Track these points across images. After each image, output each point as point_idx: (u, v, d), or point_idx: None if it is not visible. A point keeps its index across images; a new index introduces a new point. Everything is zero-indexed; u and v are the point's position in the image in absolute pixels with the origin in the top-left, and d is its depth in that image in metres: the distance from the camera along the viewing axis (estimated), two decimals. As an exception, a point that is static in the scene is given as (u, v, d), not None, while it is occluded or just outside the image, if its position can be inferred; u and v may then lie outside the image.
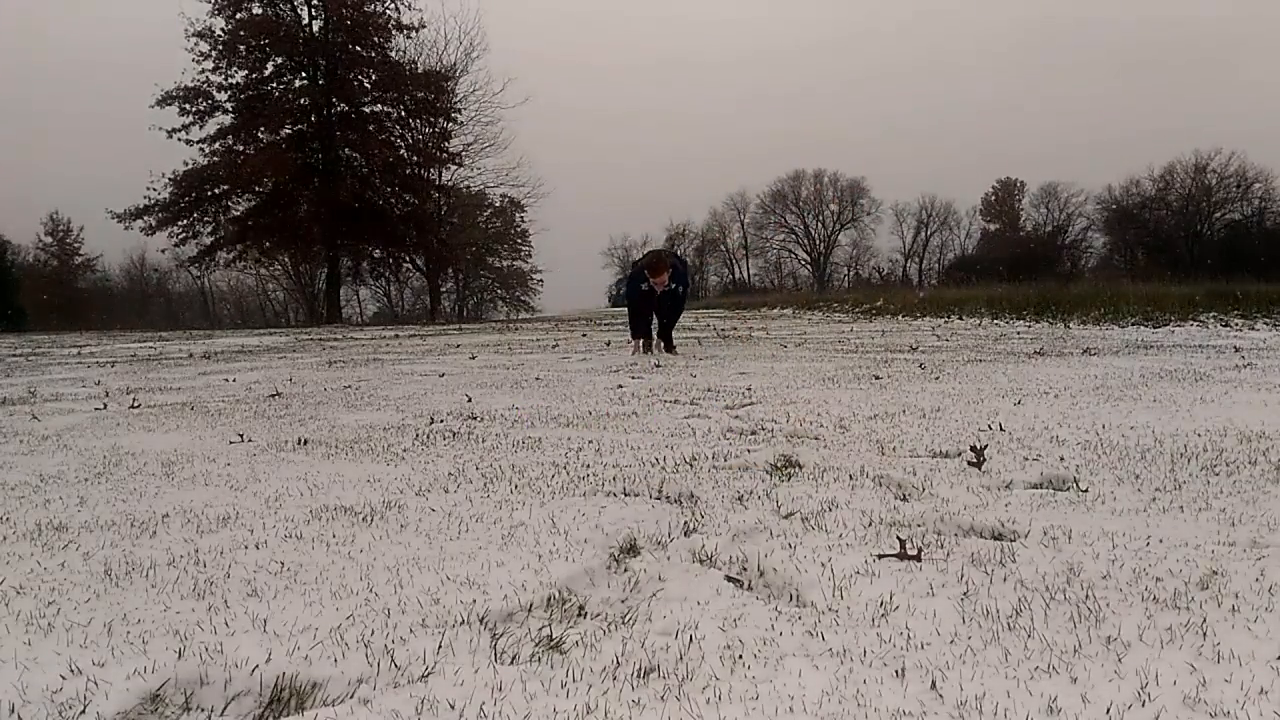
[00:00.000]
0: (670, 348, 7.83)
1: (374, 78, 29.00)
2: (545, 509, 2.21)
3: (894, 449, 2.91)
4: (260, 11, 27.40)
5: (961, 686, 1.22)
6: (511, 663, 1.34)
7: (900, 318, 16.18)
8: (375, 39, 28.45)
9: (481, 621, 1.49)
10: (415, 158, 30.02)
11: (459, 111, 29.44)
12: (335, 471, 2.77)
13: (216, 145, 27.55)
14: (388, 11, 28.32)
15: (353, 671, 1.31)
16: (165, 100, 26.66)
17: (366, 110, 29.29)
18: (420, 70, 28.84)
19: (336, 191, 27.39)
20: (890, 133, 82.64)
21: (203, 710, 1.24)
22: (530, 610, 1.55)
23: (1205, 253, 37.82)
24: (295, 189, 27.64)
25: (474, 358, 8.02)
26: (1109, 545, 1.81)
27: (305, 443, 3.32)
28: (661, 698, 1.22)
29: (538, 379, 5.68)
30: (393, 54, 28.87)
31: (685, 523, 2.06)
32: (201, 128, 27.21)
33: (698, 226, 63.00)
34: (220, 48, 26.93)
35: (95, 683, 1.28)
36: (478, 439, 3.32)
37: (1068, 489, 2.32)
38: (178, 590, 1.67)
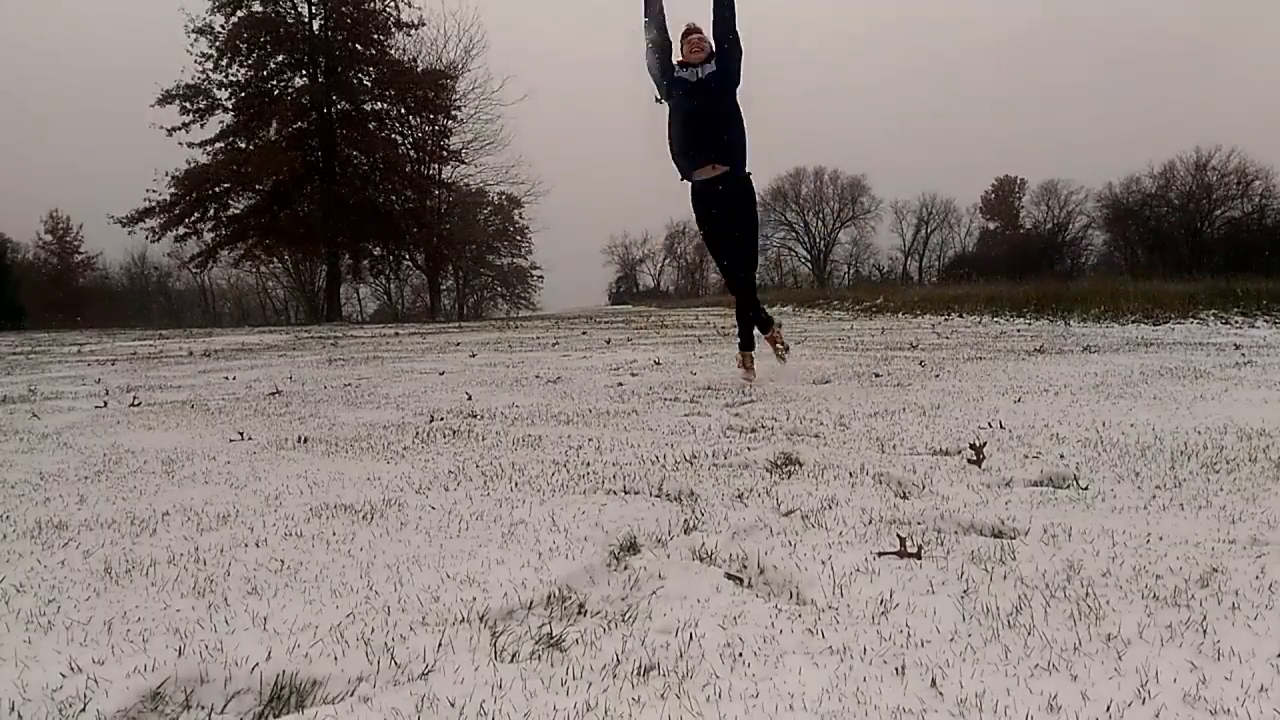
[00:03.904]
0: (764, 328, 4.99)
1: (374, 75, 29.04)
2: (545, 507, 2.21)
3: (894, 446, 2.91)
4: (260, 9, 27.41)
5: (961, 684, 1.22)
6: (511, 660, 1.34)
7: (900, 315, 16.18)
8: (375, 37, 28.47)
9: (481, 619, 1.49)
10: (416, 154, 30.03)
11: (459, 108, 29.47)
12: (335, 469, 2.77)
13: (218, 145, 27.59)
14: (388, 9, 28.33)
15: (353, 669, 1.31)
16: (166, 99, 26.72)
17: (367, 108, 29.31)
18: (420, 68, 28.85)
19: (337, 189, 27.41)
20: (890, 131, 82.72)
21: (203, 708, 1.24)
22: (530, 608, 1.55)
23: (1206, 250, 37.82)
24: (296, 187, 27.67)
25: (474, 355, 8.02)
26: (1109, 543, 1.81)
27: (305, 440, 3.32)
28: (661, 695, 1.22)
29: (538, 376, 5.68)
30: (393, 52, 28.91)
31: (685, 520, 2.06)
32: (202, 126, 27.29)
33: (698, 225, 62.96)
34: (220, 45, 26.95)
35: (95, 681, 1.28)
36: (478, 437, 3.32)
37: (1068, 486, 2.32)
38: (178, 588, 1.67)
